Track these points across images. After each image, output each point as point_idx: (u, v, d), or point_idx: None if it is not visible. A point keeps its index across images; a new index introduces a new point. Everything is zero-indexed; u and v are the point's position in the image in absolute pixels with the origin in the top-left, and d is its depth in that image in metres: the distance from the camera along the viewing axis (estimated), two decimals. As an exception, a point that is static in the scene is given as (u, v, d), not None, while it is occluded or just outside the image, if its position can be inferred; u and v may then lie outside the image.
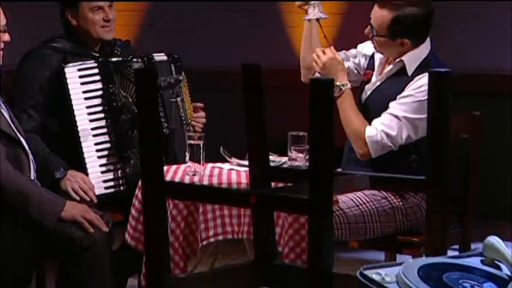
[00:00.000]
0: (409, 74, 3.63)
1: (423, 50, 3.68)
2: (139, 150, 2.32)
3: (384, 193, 3.66)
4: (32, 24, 4.93)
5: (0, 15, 3.44)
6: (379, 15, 3.62)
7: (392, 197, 3.68)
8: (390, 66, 3.70)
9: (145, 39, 5.73)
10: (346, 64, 3.80)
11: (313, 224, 1.91)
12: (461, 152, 3.79)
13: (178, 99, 3.89)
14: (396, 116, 3.59)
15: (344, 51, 3.88)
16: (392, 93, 3.64)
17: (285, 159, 3.54)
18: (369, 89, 3.73)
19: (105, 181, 3.80)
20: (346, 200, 3.62)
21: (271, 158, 3.55)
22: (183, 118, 3.93)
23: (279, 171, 2.55)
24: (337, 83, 3.65)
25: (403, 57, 3.65)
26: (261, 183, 2.21)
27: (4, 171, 3.33)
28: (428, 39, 3.70)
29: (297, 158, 3.44)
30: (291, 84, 4.11)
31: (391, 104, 3.62)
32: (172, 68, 3.91)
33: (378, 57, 3.78)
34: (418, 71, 3.63)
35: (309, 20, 3.79)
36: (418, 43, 3.67)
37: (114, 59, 3.87)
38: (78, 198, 3.66)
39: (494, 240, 2.21)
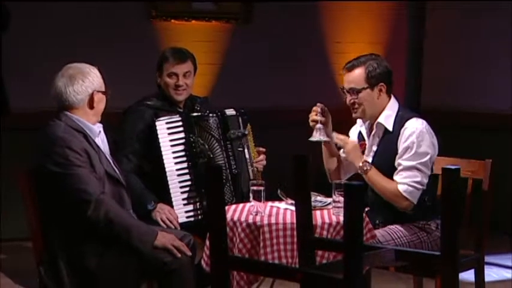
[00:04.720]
0: (391, 130, 4.09)
1: (393, 107, 4.11)
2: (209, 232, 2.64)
3: (414, 230, 4.10)
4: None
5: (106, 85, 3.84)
6: (355, 75, 4.10)
7: (420, 233, 4.11)
8: (374, 131, 4.15)
9: (222, 87, 6.27)
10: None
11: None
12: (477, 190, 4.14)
13: (245, 147, 4.32)
14: (412, 167, 4.01)
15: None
16: (390, 149, 4.07)
17: (330, 200, 3.93)
18: (369, 155, 4.16)
19: (186, 211, 4.20)
20: (384, 234, 4.06)
21: (318, 198, 4.06)
22: (248, 162, 4.35)
23: (321, 242, 2.98)
24: (361, 164, 4.10)
25: (379, 120, 4.10)
26: (306, 255, 2.77)
27: (112, 207, 3.67)
28: (393, 98, 4.14)
29: (340, 201, 3.76)
30: (338, 121, 4.39)
31: (400, 162, 4.02)
32: (240, 121, 4.35)
33: (363, 129, 4.23)
34: (397, 125, 4.09)
35: (312, 142, 4.10)
36: (390, 91, 4.11)
37: (194, 114, 4.31)
38: (165, 227, 4.06)
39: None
